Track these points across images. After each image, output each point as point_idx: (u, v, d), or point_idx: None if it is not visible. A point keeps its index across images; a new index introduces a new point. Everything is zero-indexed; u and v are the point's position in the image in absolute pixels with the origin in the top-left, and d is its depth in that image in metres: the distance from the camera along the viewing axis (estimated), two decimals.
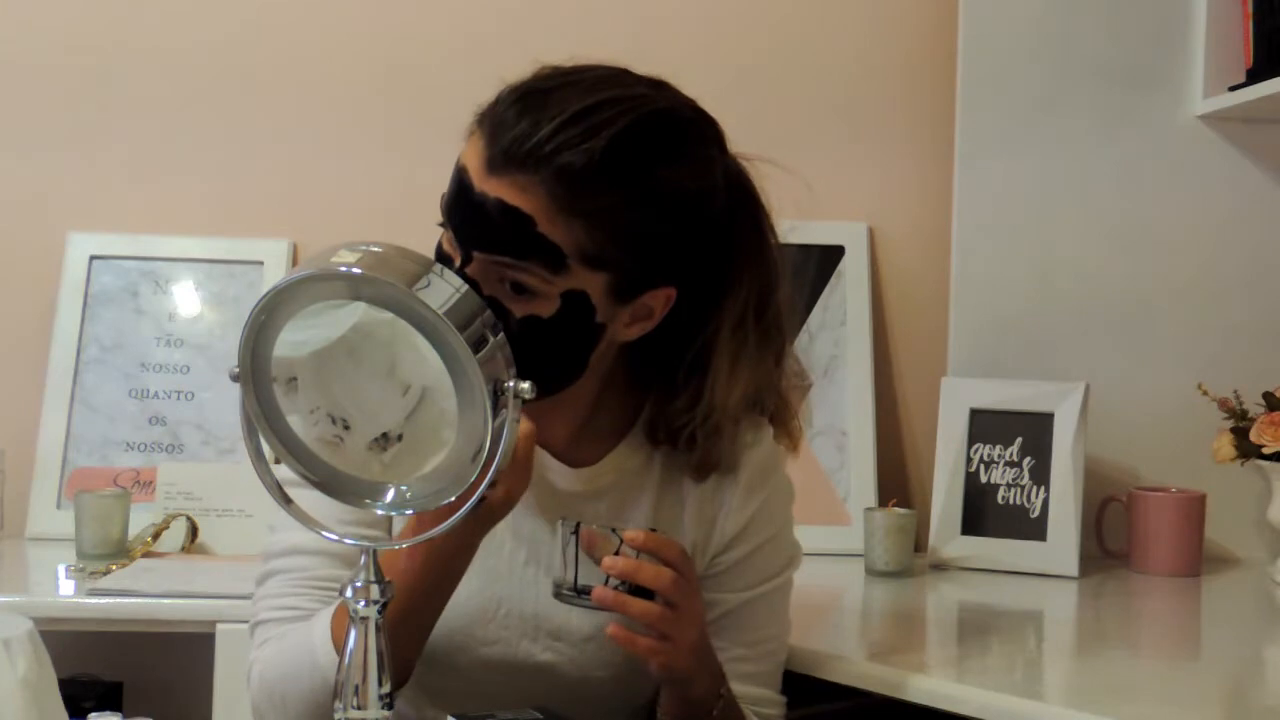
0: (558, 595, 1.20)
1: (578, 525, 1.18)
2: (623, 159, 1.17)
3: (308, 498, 1.11)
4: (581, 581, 1.18)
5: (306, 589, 1.27)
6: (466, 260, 1.19)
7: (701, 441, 1.32)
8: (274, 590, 1.29)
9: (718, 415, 1.30)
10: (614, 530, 1.18)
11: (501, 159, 1.16)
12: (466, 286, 1.03)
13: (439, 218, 1.24)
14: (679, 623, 1.18)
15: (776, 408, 1.39)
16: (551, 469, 1.32)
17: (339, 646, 1.16)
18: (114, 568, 1.88)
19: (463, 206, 1.19)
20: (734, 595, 1.36)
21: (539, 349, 1.18)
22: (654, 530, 1.22)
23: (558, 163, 1.15)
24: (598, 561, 1.17)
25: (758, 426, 1.38)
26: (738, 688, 1.34)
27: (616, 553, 1.17)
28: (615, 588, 1.16)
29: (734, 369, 1.29)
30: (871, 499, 2.18)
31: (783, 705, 1.41)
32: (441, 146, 1.29)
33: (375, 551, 1.08)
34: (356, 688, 1.06)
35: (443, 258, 1.22)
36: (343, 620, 1.18)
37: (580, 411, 1.32)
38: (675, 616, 1.17)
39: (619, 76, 1.22)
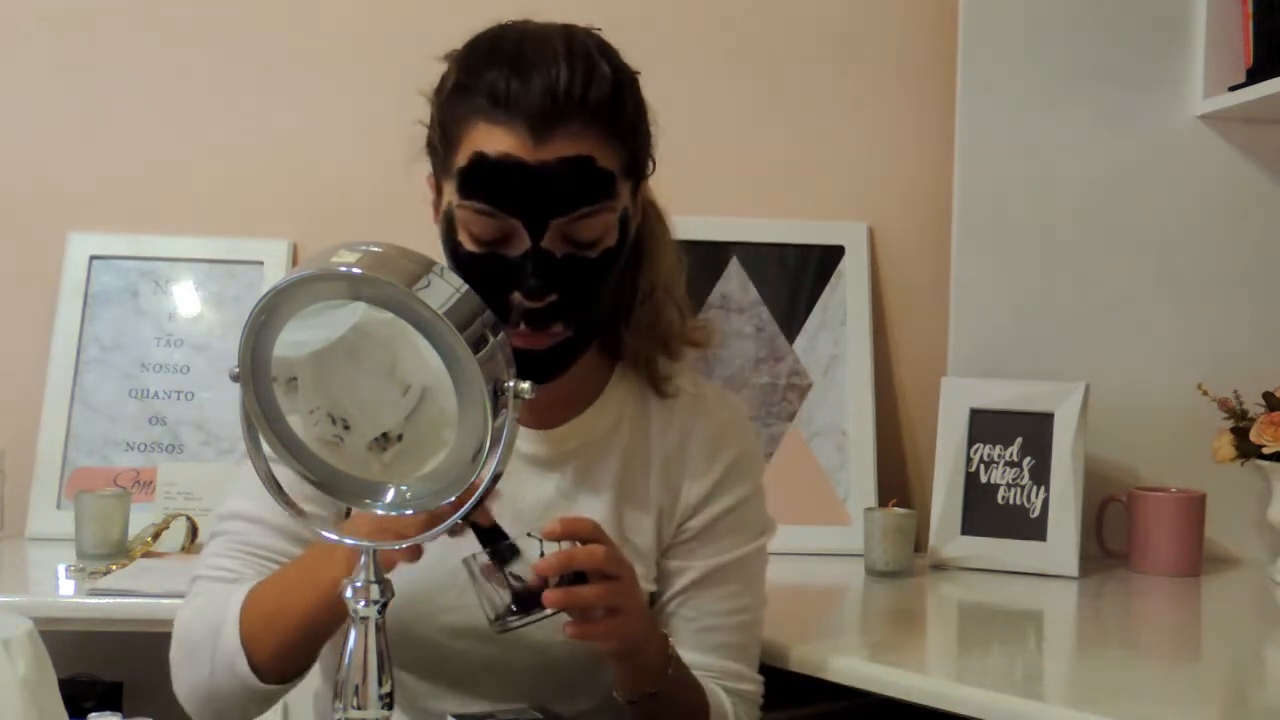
0: (504, 628, 1.16)
1: (490, 551, 1.14)
2: (619, 75, 1.26)
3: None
4: (522, 596, 1.14)
5: (241, 553, 1.31)
6: (540, 235, 1.21)
7: (640, 305, 1.36)
8: (214, 549, 1.33)
9: (653, 277, 1.36)
10: (529, 534, 1.15)
11: (544, 122, 1.20)
12: (467, 286, 1.03)
13: (439, 217, 1.25)
14: (624, 591, 1.18)
15: (681, 324, 1.41)
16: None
17: (246, 631, 1.22)
18: (114, 568, 1.88)
19: (525, 186, 1.20)
20: (702, 561, 1.36)
21: (612, 278, 1.27)
22: (530, 534, 1.18)
23: (590, 99, 1.22)
24: (518, 577, 1.14)
25: (723, 395, 1.42)
26: (710, 660, 1.34)
27: (541, 554, 1.14)
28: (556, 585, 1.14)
29: (662, 237, 1.38)
30: (871, 499, 2.18)
31: (760, 684, 1.40)
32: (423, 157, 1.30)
33: (375, 551, 1.08)
34: (356, 688, 1.06)
35: (480, 260, 1.22)
36: (253, 612, 1.22)
37: (564, 384, 1.31)
38: (620, 587, 1.17)
39: (535, 22, 1.29)
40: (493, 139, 1.20)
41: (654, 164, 1.35)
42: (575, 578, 1.14)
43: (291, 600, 1.21)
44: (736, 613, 1.37)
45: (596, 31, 1.30)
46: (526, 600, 1.14)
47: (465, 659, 1.32)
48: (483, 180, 1.21)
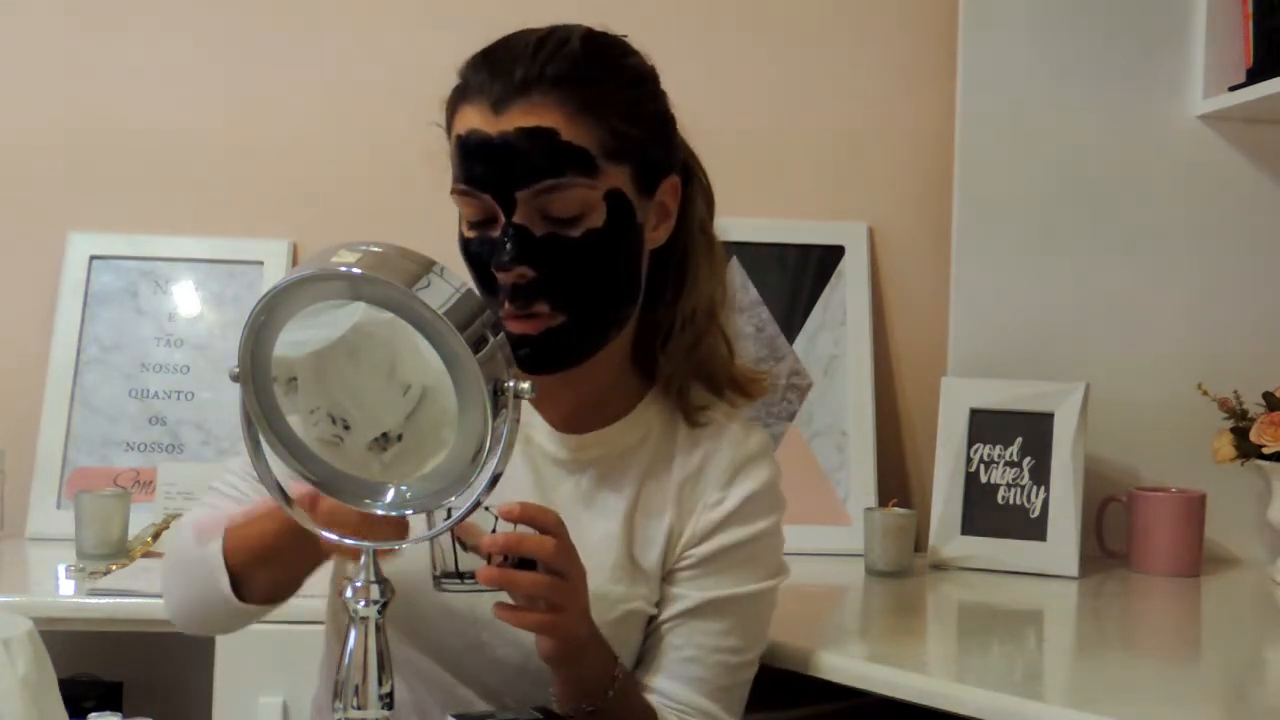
0: (438, 586, 1.16)
1: (449, 511, 1.12)
2: (598, 54, 1.27)
3: None
4: (463, 567, 1.14)
5: (253, 478, 1.28)
6: (510, 210, 1.22)
7: (677, 334, 1.36)
8: (232, 466, 1.36)
9: (693, 306, 1.36)
10: (487, 507, 1.12)
11: (503, 97, 1.23)
12: (467, 286, 1.03)
13: (439, 217, 1.25)
14: (568, 590, 1.17)
15: (729, 361, 1.41)
16: (539, 430, 1.35)
17: (229, 547, 1.22)
18: (114, 568, 1.88)
19: (487, 158, 1.23)
20: (699, 592, 1.34)
21: (604, 263, 1.26)
22: (488, 508, 1.18)
23: (550, 74, 1.23)
24: (465, 546, 1.14)
25: (749, 428, 1.40)
26: (683, 691, 1.33)
27: (494, 530, 1.13)
28: (497, 565, 1.13)
29: (710, 267, 1.37)
30: (871, 499, 2.18)
31: None
32: (442, 146, 1.30)
33: (374, 551, 1.08)
34: (356, 688, 1.06)
35: (477, 245, 1.25)
36: (239, 533, 1.22)
37: (587, 390, 1.33)
38: (565, 585, 1.16)
39: (531, 28, 1.30)
40: (464, 120, 1.25)
41: (682, 172, 1.34)
42: (525, 564, 1.13)
43: (263, 526, 1.21)
44: (722, 651, 1.34)
45: (621, 36, 1.31)
46: (469, 571, 1.14)
47: (455, 638, 1.32)
48: (459, 161, 1.25)
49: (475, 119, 1.23)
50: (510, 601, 1.17)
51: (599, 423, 1.36)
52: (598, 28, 1.31)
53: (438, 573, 1.16)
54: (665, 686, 1.33)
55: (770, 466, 1.39)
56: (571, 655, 1.22)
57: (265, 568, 1.22)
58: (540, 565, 1.14)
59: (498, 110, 1.22)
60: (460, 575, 1.15)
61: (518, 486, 1.30)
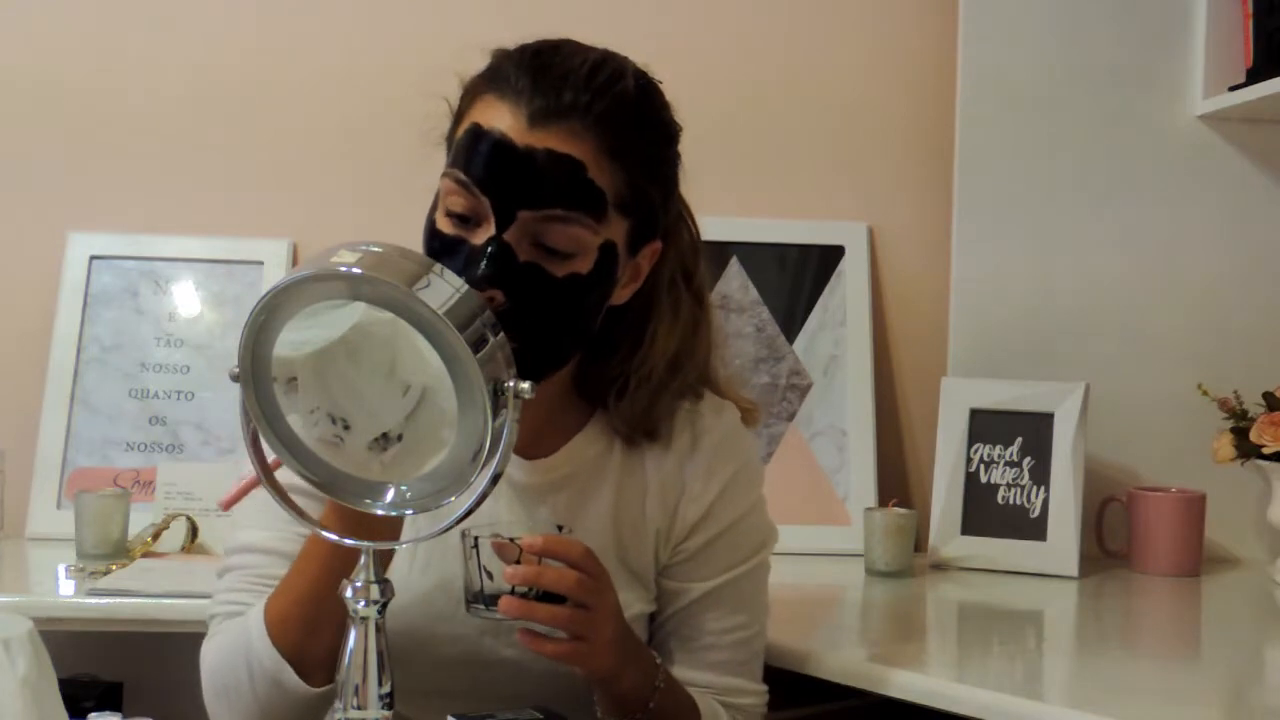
0: (469, 609, 1.17)
1: (476, 538, 1.15)
2: (645, 101, 1.25)
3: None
4: (489, 592, 1.15)
5: (258, 586, 1.27)
6: (505, 224, 1.18)
7: (631, 393, 1.33)
8: (228, 584, 1.30)
9: (650, 367, 1.32)
10: (512, 539, 1.14)
11: (544, 112, 1.19)
12: (467, 286, 1.03)
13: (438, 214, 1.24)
14: (591, 622, 1.16)
15: (710, 380, 1.39)
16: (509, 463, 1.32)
17: (274, 631, 1.19)
18: (114, 568, 1.88)
19: (505, 166, 1.18)
20: (700, 584, 1.35)
21: (576, 309, 1.22)
22: (561, 528, 1.20)
23: (598, 109, 1.20)
24: (491, 575, 1.15)
25: (719, 409, 1.38)
26: (708, 677, 1.34)
27: (517, 561, 1.13)
28: (524, 594, 1.14)
29: (671, 325, 1.33)
30: (871, 499, 2.18)
31: (762, 695, 1.39)
32: (442, 146, 1.30)
33: (375, 552, 1.08)
34: (356, 688, 1.06)
35: (448, 244, 1.21)
36: (281, 619, 1.20)
37: (542, 410, 1.29)
38: (586, 616, 1.15)
39: (582, 43, 1.27)
40: (491, 113, 1.21)
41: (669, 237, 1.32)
42: (549, 593, 1.14)
43: (320, 589, 1.18)
44: (734, 630, 1.36)
45: (657, 80, 1.28)
46: (497, 596, 1.15)
47: (471, 688, 1.30)
48: (468, 150, 1.20)
49: (504, 120, 1.19)
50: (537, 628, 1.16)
51: (560, 441, 1.34)
52: (642, 65, 1.28)
53: (468, 596, 1.17)
54: (692, 676, 1.34)
55: (745, 442, 1.39)
56: (601, 678, 1.22)
57: (316, 628, 1.19)
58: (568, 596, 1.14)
59: (533, 124, 1.18)
60: (485, 601, 1.15)
61: (496, 522, 1.29)
